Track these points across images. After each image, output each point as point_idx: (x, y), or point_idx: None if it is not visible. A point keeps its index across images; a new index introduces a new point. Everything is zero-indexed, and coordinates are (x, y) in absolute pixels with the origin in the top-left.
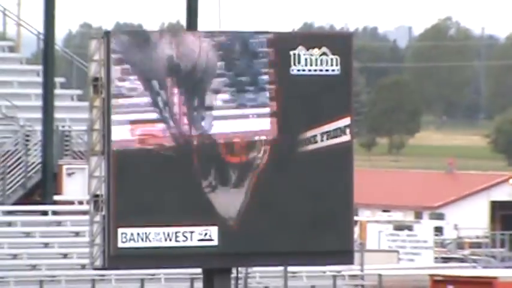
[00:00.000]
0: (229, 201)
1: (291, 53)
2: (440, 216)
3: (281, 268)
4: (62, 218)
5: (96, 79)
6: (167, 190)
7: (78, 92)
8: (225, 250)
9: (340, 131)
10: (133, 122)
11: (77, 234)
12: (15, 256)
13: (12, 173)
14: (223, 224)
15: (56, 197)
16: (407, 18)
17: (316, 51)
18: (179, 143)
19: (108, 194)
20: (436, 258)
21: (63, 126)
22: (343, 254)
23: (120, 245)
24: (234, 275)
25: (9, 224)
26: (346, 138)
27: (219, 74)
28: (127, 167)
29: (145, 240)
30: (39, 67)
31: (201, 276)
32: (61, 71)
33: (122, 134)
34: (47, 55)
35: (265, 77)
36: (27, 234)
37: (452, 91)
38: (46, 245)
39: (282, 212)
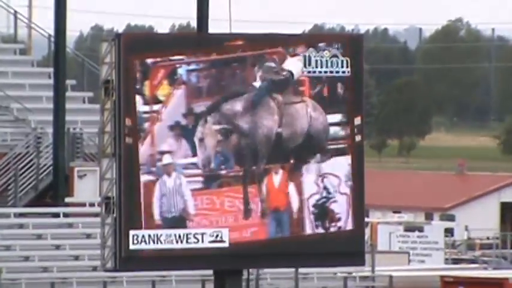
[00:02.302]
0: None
1: (302, 55)
2: (451, 218)
3: (292, 269)
4: (73, 220)
5: (107, 81)
6: None
7: (90, 94)
8: (236, 252)
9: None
10: None
11: (88, 236)
12: (26, 258)
13: (24, 175)
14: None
15: (67, 199)
16: (417, 19)
17: (326, 53)
18: None
19: (120, 196)
20: (446, 259)
21: (74, 129)
22: (354, 255)
23: (131, 247)
24: (245, 276)
25: (21, 226)
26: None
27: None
28: None
29: (157, 242)
30: (51, 69)
31: (212, 277)
32: (72, 73)
33: None
34: (58, 57)
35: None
36: (39, 237)
37: (463, 92)
38: (57, 247)
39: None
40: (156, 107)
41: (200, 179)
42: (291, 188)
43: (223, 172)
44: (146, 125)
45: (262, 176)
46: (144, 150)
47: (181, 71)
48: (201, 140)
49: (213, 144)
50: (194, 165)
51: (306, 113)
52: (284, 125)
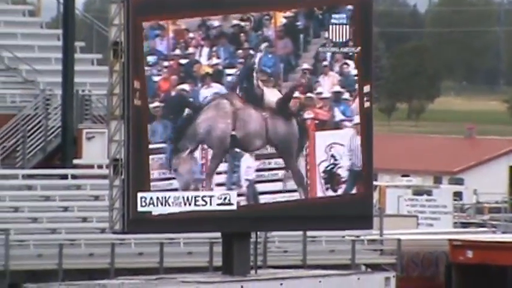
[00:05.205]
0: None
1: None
2: (460, 181)
3: (300, 233)
4: (82, 182)
5: (116, 43)
6: None
7: (98, 56)
8: (244, 214)
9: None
10: None
11: (96, 198)
12: (35, 220)
13: (32, 137)
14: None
15: (75, 161)
16: None
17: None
18: None
19: (128, 158)
20: (455, 223)
21: (83, 91)
22: (363, 219)
23: (139, 209)
24: (253, 239)
25: (29, 187)
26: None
27: None
28: None
29: (165, 205)
30: (60, 31)
31: (221, 240)
32: (81, 35)
33: None
34: (67, 19)
35: None
36: (47, 198)
37: (472, 56)
38: (66, 208)
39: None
40: None
41: None
42: None
43: None
44: None
45: None
46: None
47: None
48: None
49: None
50: None
51: None
52: None
